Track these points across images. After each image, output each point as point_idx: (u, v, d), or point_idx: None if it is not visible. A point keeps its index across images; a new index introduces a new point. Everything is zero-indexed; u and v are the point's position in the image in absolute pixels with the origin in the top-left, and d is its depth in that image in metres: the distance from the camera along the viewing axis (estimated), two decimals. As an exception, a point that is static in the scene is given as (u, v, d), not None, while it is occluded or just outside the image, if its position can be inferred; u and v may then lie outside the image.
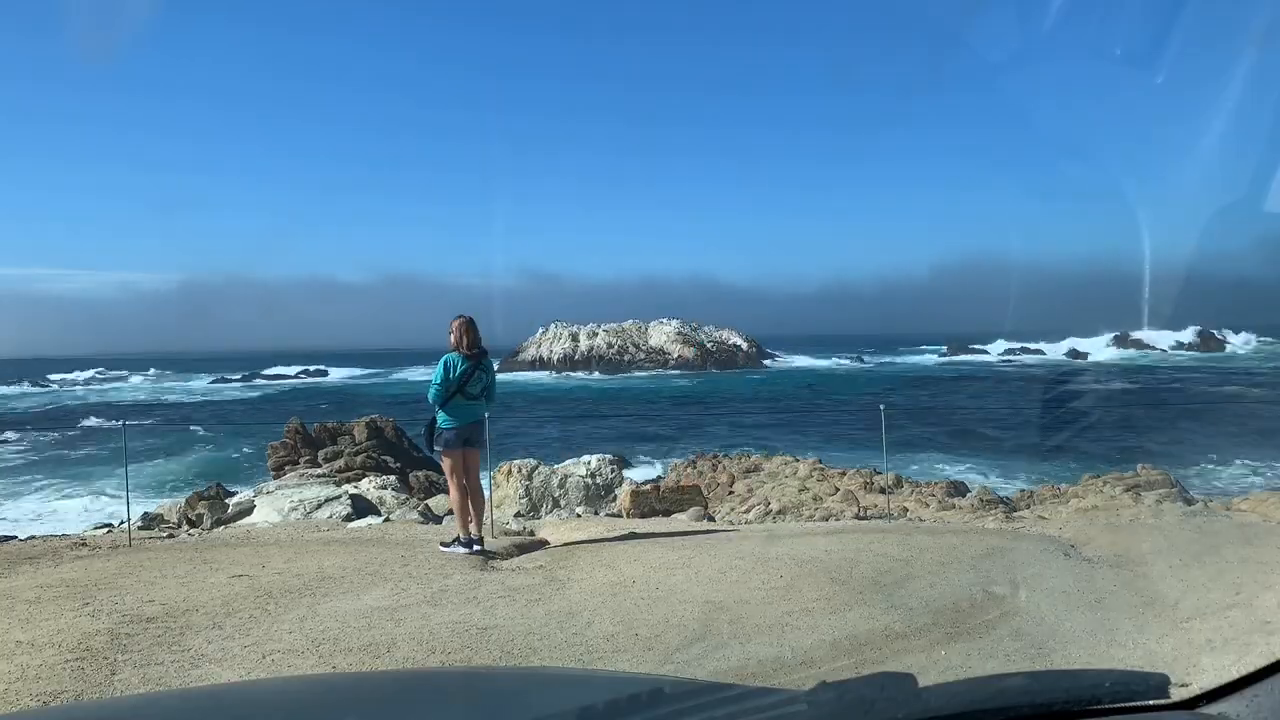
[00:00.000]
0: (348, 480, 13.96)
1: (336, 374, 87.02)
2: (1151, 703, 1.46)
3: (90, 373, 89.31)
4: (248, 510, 10.83)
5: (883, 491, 13.94)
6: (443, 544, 7.53)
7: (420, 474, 18.68)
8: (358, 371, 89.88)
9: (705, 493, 16.02)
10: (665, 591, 5.91)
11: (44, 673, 4.45)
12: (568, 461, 15.19)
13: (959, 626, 5.02)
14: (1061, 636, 4.84)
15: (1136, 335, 76.27)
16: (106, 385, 79.80)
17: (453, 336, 7.51)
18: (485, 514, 8.03)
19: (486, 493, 12.35)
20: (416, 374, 76.68)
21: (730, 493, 16.71)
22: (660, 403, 50.73)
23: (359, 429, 21.53)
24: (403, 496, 12.78)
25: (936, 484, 15.49)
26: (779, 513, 13.54)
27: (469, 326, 7.48)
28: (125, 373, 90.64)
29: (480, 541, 7.48)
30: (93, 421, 42.34)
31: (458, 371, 7.39)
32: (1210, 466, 22.57)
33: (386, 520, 9.88)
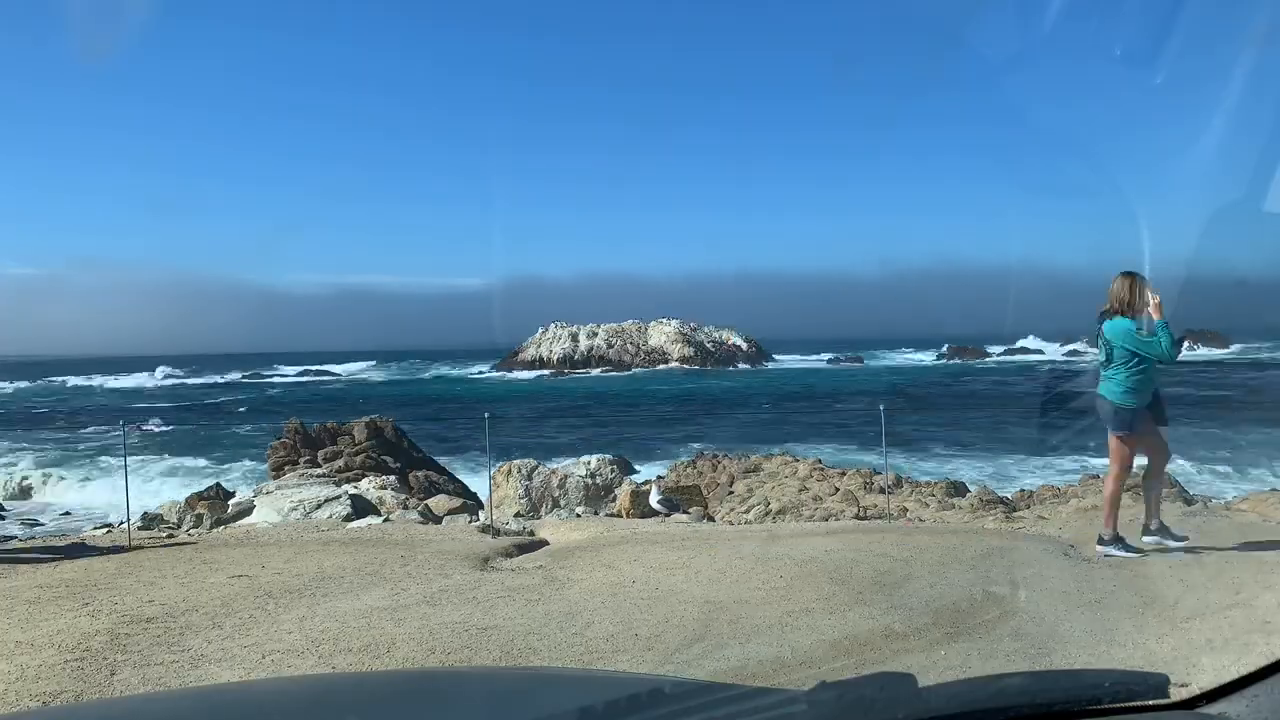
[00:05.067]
0: (347, 480, 13.95)
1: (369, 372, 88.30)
2: (1151, 703, 1.46)
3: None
4: (247, 510, 10.84)
5: (883, 491, 13.94)
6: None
7: (420, 474, 18.64)
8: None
9: (705, 493, 16.04)
10: (665, 591, 5.91)
11: (44, 673, 4.45)
12: (568, 461, 15.22)
13: (959, 626, 5.02)
14: (1061, 636, 4.83)
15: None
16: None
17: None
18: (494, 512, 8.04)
19: (485, 493, 12.40)
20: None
21: (730, 493, 16.71)
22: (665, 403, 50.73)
23: (359, 429, 21.51)
24: (402, 496, 12.80)
25: (936, 484, 15.49)
26: (779, 513, 13.55)
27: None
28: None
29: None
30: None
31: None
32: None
33: (386, 520, 9.89)
